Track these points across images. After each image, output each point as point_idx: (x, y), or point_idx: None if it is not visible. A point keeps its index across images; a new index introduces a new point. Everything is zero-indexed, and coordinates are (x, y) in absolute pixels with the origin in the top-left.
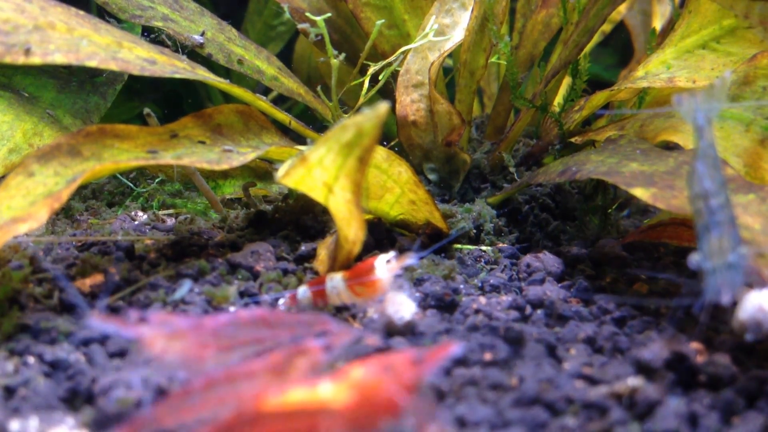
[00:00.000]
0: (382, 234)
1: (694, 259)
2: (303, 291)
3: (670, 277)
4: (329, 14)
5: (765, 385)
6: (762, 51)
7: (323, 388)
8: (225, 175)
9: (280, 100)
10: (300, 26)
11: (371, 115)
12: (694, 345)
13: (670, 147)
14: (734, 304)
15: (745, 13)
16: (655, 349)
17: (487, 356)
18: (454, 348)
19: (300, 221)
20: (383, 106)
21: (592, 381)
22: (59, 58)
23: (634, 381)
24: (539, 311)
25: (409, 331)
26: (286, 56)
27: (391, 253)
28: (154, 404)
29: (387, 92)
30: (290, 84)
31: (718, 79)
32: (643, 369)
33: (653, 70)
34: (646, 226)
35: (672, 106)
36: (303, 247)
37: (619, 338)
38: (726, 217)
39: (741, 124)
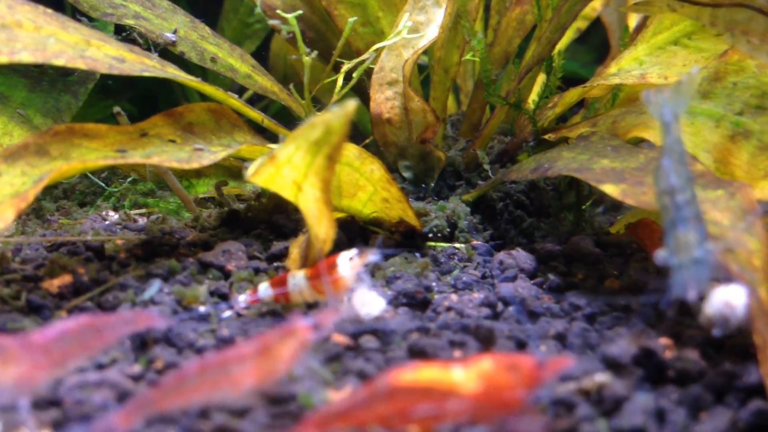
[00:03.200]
0: (355, 232)
1: (660, 255)
2: (264, 289)
3: (640, 274)
4: (301, 11)
5: (733, 381)
6: (732, 47)
7: (456, 371)
8: (198, 174)
9: (257, 99)
10: (271, 23)
11: (339, 113)
12: (663, 340)
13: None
14: (702, 299)
15: (711, 22)
16: (623, 345)
17: (457, 354)
18: (571, 362)
19: (273, 220)
20: (351, 104)
21: (561, 377)
22: (26, 57)
23: (601, 377)
24: (511, 308)
25: (379, 329)
26: (262, 54)
27: (354, 251)
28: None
29: (362, 90)
30: (264, 82)
31: (686, 76)
32: (612, 365)
33: (626, 67)
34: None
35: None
36: (275, 246)
37: (589, 334)
38: (692, 213)
39: (711, 120)
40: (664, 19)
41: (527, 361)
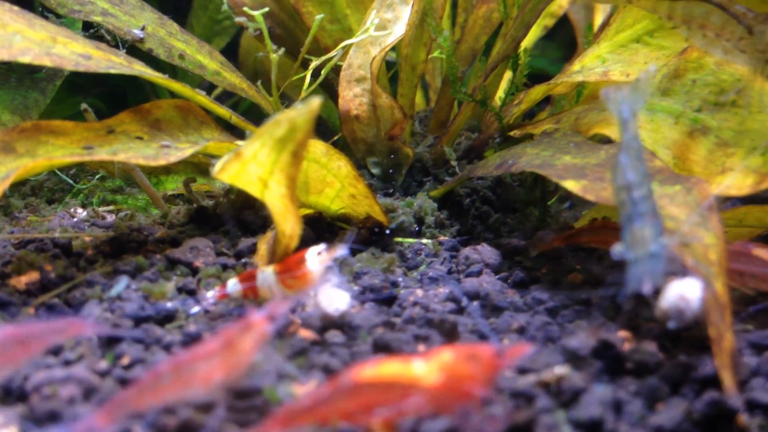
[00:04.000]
0: (323, 228)
1: (616, 249)
2: (233, 284)
3: (598, 268)
4: (267, 8)
5: (689, 372)
6: (692, 45)
7: (417, 365)
8: (167, 170)
9: (227, 96)
10: (238, 20)
11: (304, 110)
12: (622, 333)
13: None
14: (657, 292)
15: (668, 15)
16: (582, 337)
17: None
18: (530, 348)
19: (241, 216)
20: (315, 101)
21: (521, 370)
22: None
23: (560, 369)
24: (475, 302)
25: (345, 324)
26: (232, 51)
27: (322, 246)
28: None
29: (331, 87)
30: (233, 79)
31: (644, 73)
32: (571, 357)
33: (589, 64)
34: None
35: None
36: (243, 243)
37: (550, 328)
38: (648, 208)
39: (671, 117)
40: (627, 17)
41: (486, 350)
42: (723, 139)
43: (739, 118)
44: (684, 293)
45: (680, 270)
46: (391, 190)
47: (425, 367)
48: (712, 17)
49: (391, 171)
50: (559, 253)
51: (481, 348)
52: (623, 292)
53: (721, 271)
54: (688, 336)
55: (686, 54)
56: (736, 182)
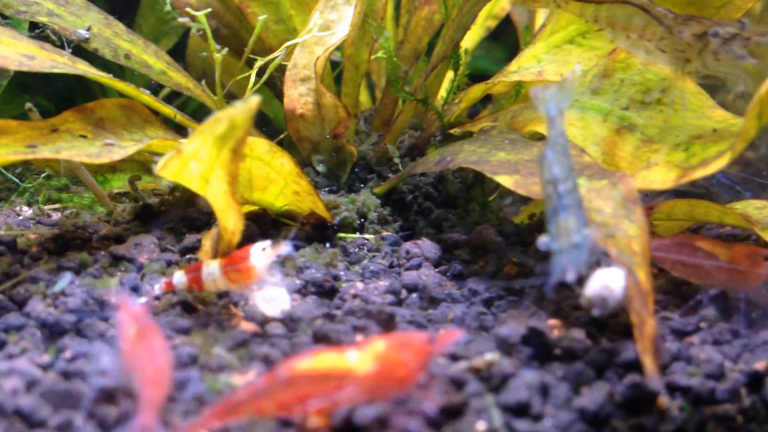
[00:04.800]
0: (268, 225)
1: (542, 240)
2: (179, 277)
3: (526, 259)
4: (210, 9)
5: (613, 357)
6: (612, 42)
7: (351, 355)
8: (113, 169)
9: (177, 96)
10: (181, 20)
11: (243, 108)
12: (552, 321)
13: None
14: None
15: (594, 18)
16: (512, 325)
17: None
18: (461, 334)
19: (186, 213)
20: (254, 99)
21: (454, 357)
22: None
23: (490, 356)
24: (414, 295)
25: (286, 317)
26: (180, 52)
27: (267, 242)
28: None
29: (277, 86)
30: (179, 78)
31: (570, 73)
32: (502, 345)
33: (525, 65)
34: None
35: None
36: (188, 239)
37: (485, 318)
38: (573, 201)
39: (600, 115)
40: (561, 19)
41: (418, 337)
42: (648, 135)
43: (663, 115)
44: (607, 282)
45: (607, 260)
46: (336, 187)
47: (359, 357)
48: (634, 19)
49: (335, 169)
50: (498, 246)
51: (414, 335)
52: (549, 280)
53: (644, 260)
54: (615, 323)
55: (615, 55)
56: (660, 176)
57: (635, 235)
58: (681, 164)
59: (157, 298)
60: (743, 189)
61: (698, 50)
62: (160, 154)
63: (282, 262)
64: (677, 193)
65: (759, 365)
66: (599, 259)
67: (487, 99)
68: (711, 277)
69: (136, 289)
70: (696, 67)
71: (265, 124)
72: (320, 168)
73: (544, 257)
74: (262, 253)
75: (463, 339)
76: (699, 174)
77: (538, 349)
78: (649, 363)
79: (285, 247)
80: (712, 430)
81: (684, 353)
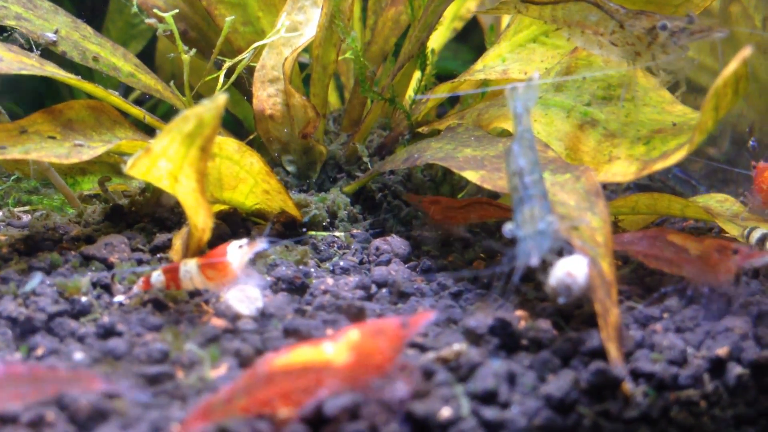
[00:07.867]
0: (238, 223)
1: (507, 228)
2: (156, 275)
3: (492, 245)
4: (177, 10)
5: (579, 346)
6: (569, 40)
7: (326, 347)
8: (83, 171)
9: (148, 98)
10: (148, 21)
11: (211, 106)
12: (519, 312)
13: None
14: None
15: (552, 18)
16: (480, 317)
17: (329, 331)
18: (433, 315)
19: (156, 214)
20: (221, 97)
21: (423, 348)
22: None
23: (458, 346)
24: (384, 290)
25: (258, 313)
26: (149, 55)
27: (244, 240)
28: None
29: (246, 87)
30: (148, 80)
31: (536, 73)
32: (470, 336)
33: (490, 63)
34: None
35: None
36: (159, 238)
37: (453, 310)
38: (538, 192)
39: (563, 111)
40: (524, 19)
41: (391, 322)
42: (610, 130)
43: (624, 110)
44: (570, 270)
45: (569, 249)
46: (306, 187)
47: (335, 348)
48: (589, 16)
49: (305, 168)
50: (466, 242)
51: (386, 321)
52: (515, 265)
53: (607, 251)
54: (580, 314)
55: (577, 52)
56: (621, 170)
57: (598, 227)
58: (641, 157)
59: (135, 295)
60: (698, 183)
61: (647, 43)
62: (129, 155)
63: (253, 259)
64: (640, 187)
65: (721, 351)
66: (562, 248)
67: (455, 99)
68: (682, 270)
69: (106, 288)
70: (646, 60)
71: (236, 125)
72: (290, 168)
73: (511, 244)
74: (239, 251)
75: (435, 319)
76: (659, 166)
77: (506, 339)
78: (613, 350)
79: (261, 244)
80: (675, 415)
81: (647, 340)
